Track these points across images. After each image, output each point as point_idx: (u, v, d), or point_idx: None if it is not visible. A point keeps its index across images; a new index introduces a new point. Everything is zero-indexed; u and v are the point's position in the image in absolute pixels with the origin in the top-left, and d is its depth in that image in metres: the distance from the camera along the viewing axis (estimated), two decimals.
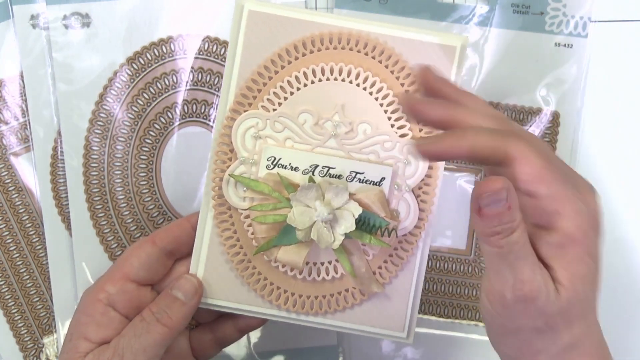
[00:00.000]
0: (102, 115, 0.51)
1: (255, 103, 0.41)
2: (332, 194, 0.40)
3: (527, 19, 0.51)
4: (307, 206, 0.40)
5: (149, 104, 0.51)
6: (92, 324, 0.41)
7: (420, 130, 0.41)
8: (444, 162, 0.42)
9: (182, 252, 0.43)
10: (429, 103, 0.37)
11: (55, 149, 0.51)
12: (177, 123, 0.51)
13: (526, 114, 0.52)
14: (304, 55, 0.41)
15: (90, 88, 0.51)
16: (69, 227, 0.52)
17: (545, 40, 0.51)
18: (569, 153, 0.52)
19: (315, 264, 0.42)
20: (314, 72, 0.41)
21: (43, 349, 0.53)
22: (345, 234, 0.40)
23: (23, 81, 0.51)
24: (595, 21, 0.51)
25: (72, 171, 0.51)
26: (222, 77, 0.51)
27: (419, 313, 0.44)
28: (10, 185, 0.52)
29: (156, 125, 0.51)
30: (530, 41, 0.51)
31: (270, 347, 0.53)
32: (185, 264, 0.43)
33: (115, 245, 0.52)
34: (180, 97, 0.51)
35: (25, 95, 0.51)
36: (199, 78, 0.51)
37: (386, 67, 0.41)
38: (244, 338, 0.53)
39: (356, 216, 0.39)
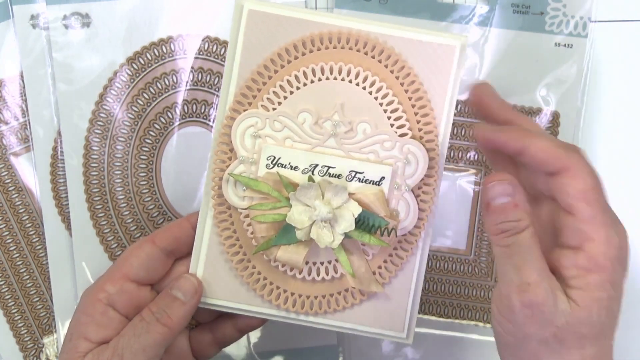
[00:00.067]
0: (102, 115, 0.51)
1: (255, 102, 0.41)
2: (332, 193, 0.40)
3: (527, 19, 0.51)
4: (306, 205, 0.40)
5: (149, 104, 0.51)
6: (92, 324, 0.41)
7: (420, 130, 0.41)
8: (443, 163, 0.41)
9: (182, 252, 0.43)
10: (502, 131, 0.38)
11: (55, 149, 0.51)
12: (177, 123, 0.51)
13: (526, 114, 0.52)
14: (303, 54, 0.41)
15: (90, 88, 0.51)
16: (69, 227, 0.52)
17: (545, 40, 0.51)
18: None
19: (314, 263, 0.42)
20: (313, 71, 0.41)
21: (43, 349, 0.53)
22: (345, 233, 0.40)
23: (23, 81, 0.51)
24: (595, 21, 0.51)
25: (72, 171, 0.51)
26: (222, 77, 0.51)
27: (419, 313, 0.44)
28: (10, 185, 0.52)
29: (156, 125, 0.51)
30: (530, 41, 0.51)
31: (270, 347, 0.53)
32: (185, 263, 0.43)
33: (115, 245, 0.52)
34: (180, 97, 0.51)
35: (25, 95, 0.51)
36: (199, 78, 0.51)
37: (386, 66, 0.41)
38: (244, 338, 0.53)
39: (356, 216, 0.39)
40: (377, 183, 0.41)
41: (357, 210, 0.40)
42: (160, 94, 0.51)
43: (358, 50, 0.41)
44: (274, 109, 0.41)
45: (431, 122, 0.41)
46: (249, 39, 0.41)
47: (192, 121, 0.52)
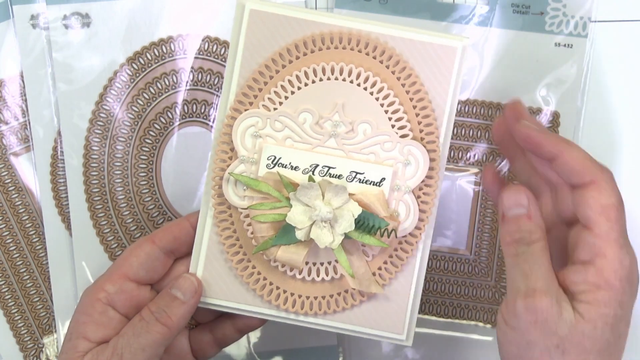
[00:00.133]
0: (102, 115, 0.51)
1: (256, 102, 0.41)
2: (332, 193, 0.40)
3: (527, 19, 0.51)
4: (306, 205, 0.40)
5: (149, 104, 0.51)
6: (92, 324, 0.41)
7: (421, 131, 0.41)
8: (444, 164, 0.41)
9: (182, 252, 0.43)
10: (544, 132, 0.38)
11: (55, 149, 0.51)
12: (177, 123, 0.51)
13: None
14: (304, 54, 0.41)
15: (90, 88, 0.51)
16: (69, 227, 0.52)
17: (545, 40, 0.51)
18: None
19: (314, 264, 0.42)
20: (314, 71, 0.41)
21: (43, 349, 0.53)
22: (345, 234, 0.40)
23: (23, 81, 0.51)
24: (595, 21, 0.51)
25: (72, 171, 0.51)
26: (222, 77, 0.51)
27: (419, 313, 0.44)
28: (10, 185, 0.52)
29: (156, 125, 0.51)
30: (530, 41, 0.51)
31: (270, 347, 0.53)
32: (185, 263, 0.43)
33: (115, 245, 0.52)
34: (180, 97, 0.51)
35: (25, 95, 0.51)
36: (199, 78, 0.51)
37: (387, 67, 0.41)
38: (244, 338, 0.52)
39: (356, 216, 0.39)
40: (378, 184, 0.41)
41: (357, 210, 0.40)
42: (160, 94, 0.51)
43: (359, 51, 0.41)
44: (275, 108, 0.41)
45: (432, 123, 0.41)
46: (250, 38, 0.41)
47: (192, 121, 0.52)
